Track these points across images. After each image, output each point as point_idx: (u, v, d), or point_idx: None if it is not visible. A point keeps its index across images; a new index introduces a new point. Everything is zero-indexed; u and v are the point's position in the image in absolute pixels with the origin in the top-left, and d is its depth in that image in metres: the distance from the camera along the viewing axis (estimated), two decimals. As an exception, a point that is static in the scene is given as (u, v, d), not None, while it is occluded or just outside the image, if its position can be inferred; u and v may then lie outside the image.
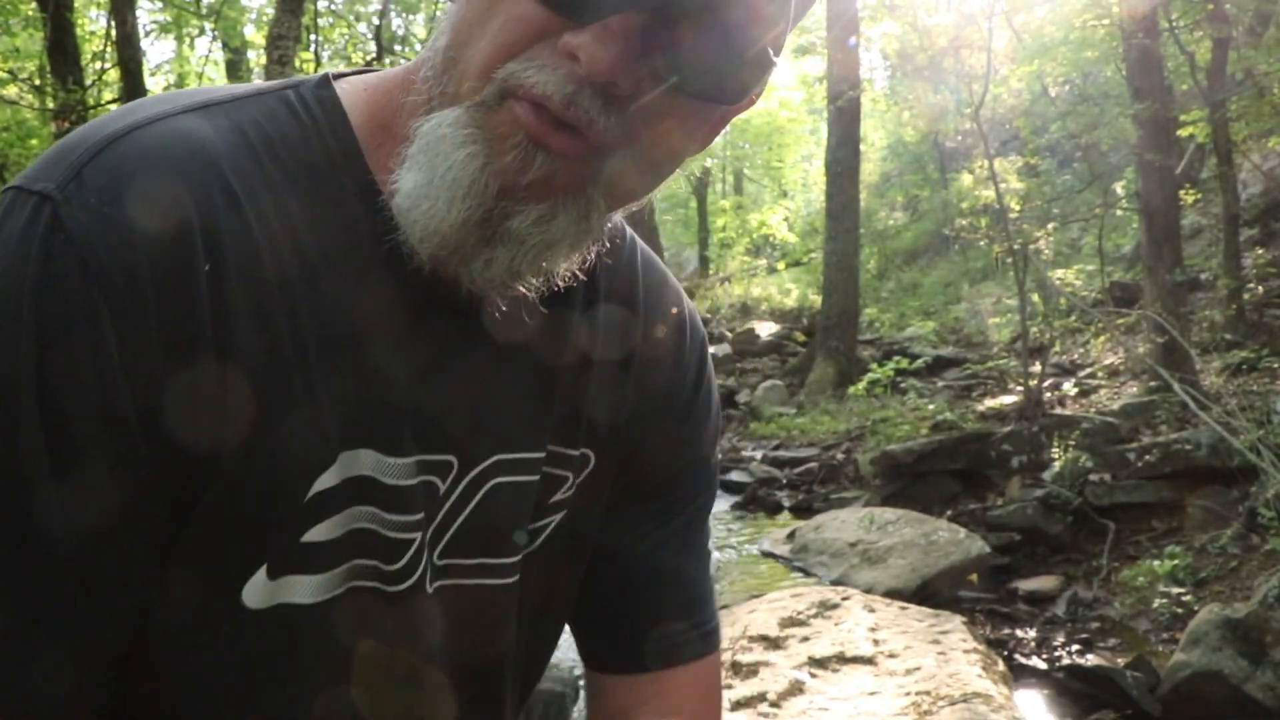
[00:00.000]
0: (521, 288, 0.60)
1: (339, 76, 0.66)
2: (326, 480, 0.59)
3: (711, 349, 0.85)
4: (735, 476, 7.73)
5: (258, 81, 0.71)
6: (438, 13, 10.27)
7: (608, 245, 0.68)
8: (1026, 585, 5.21)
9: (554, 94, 0.53)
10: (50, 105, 6.78)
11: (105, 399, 0.52)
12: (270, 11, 6.93)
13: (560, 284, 0.62)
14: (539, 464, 0.69)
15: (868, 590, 4.74)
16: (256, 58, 11.04)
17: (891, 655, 3.56)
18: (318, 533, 0.60)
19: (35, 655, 0.53)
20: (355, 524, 0.61)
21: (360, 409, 0.60)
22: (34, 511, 0.51)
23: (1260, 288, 7.57)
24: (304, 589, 0.60)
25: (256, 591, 0.59)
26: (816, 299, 11.98)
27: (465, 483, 0.66)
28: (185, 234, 0.54)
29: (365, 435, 0.61)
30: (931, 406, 7.77)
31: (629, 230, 0.79)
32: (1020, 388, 7.44)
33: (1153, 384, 6.58)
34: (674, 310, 0.79)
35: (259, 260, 0.57)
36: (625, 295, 0.75)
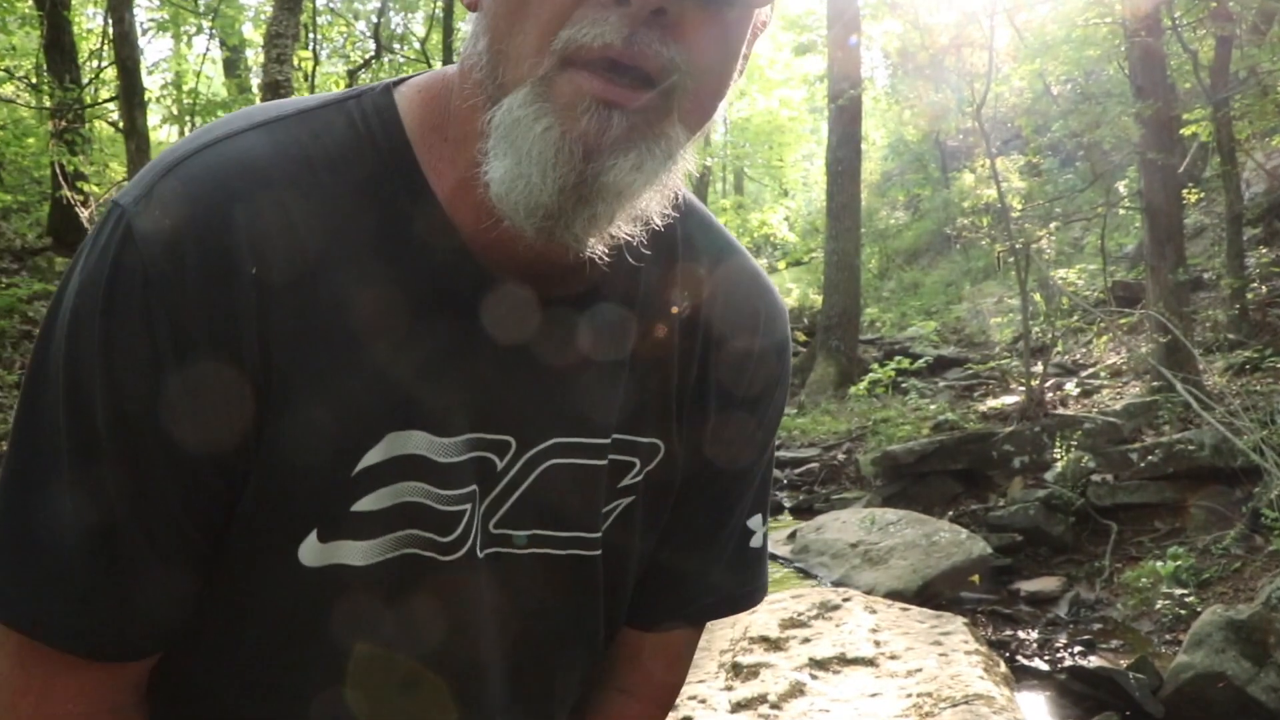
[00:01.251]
0: (621, 235, 0.63)
1: (403, 81, 0.70)
2: (373, 457, 0.64)
3: None
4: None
5: (332, 91, 0.77)
6: (437, 11, 10.24)
7: (682, 230, 0.74)
8: (1028, 586, 5.19)
9: (615, 40, 0.56)
10: (47, 103, 6.77)
11: (157, 387, 0.59)
12: (268, 9, 6.91)
13: (643, 237, 0.64)
14: (604, 449, 0.72)
15: (869, 591, 4.72)
16: (254, 56, 11.02)
17: (893, 657, 3.54)
18: (367, 503, 0.65)
19: (109, 600, 0.61)
20: (405, 497, 0.66)
21: (410, 392, 0.65)
22: (103, 480, 0.60)
23: (1264, 287, 7.55)
24: (356, 553, 0.66)
25: (310, 552, 0.65)
26: (817, 298, 11.97)
27: (523, 461, 0.70)
28: (232, 242, 0.60)
29: (416, 417, 0.65)
30: (933, 407, 7.74)
31: (710, 218, 0.81)
32: (1022, 388, 7.42)
33: (1155, 384, 6.55)
34: (749, 301, 0.80)
35: (303, 261, 0.62)
36: (695, 286, 0.77)
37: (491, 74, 0.60)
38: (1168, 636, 4.40)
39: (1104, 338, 8.18)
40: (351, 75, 7.51)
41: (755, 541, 0.86)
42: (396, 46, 11.31)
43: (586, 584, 0.76)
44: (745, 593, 0.86)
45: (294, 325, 0.61)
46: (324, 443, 0.63)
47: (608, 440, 0.72)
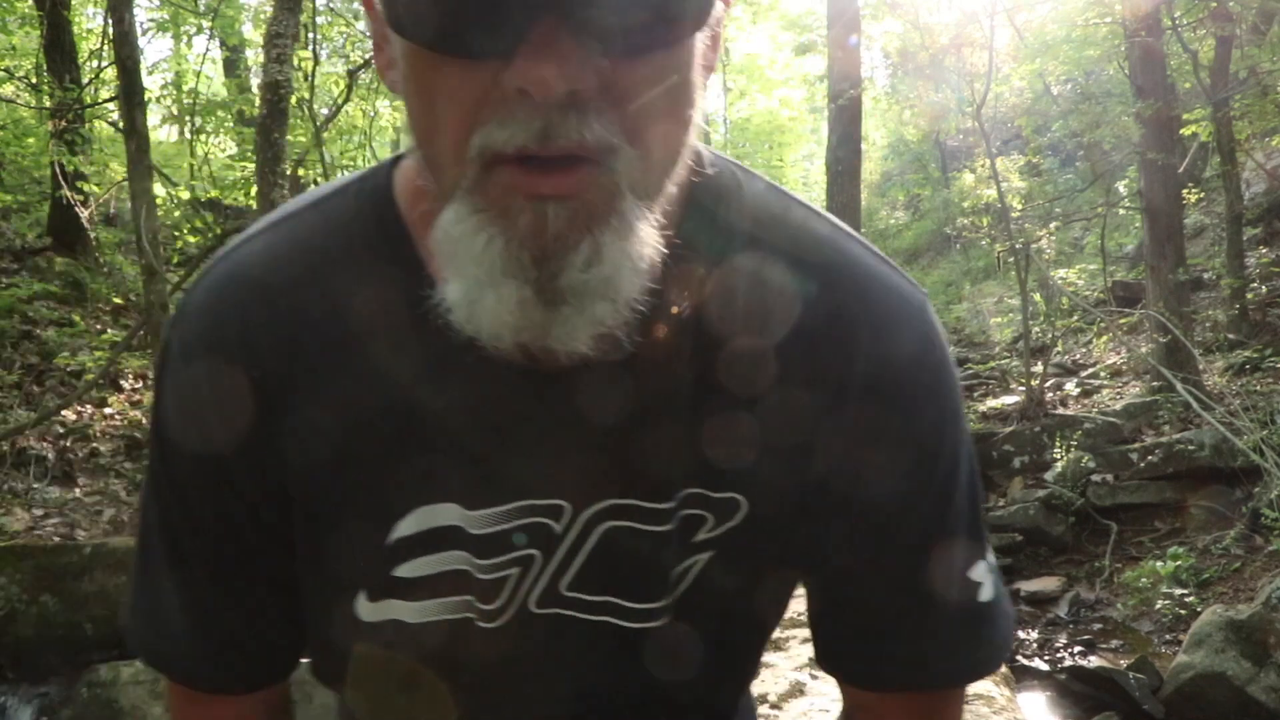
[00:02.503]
0: (615, 330, 0.56)
1: (404, 156, 0.69)
2: (405, 528, 0.66)
3: None
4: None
5: (343, 177, 0.73)
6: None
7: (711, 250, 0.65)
8: (1029, 586, 5.19)
9: (528, 140, 0.51)
10: (47, 104, 6.77)
11: (202, 481, 0.69)
12: (268, 9, 6.90)
13: (647, 311, 0.57)
14: (667, 514, 0.66)
15: (869, 591, 4.72)
16: (254, 56, 11.02)
17: (893, 658, 3.54)
18: (408, 569, 0.68)
19: (193, 635, 0.73)
20: (447, 565, 0.68)
21: (433, 467, 0.65)
22: (184, 558, 0.72)
23: (1264, 287, 7.55)
24: (406, 611, 0.69)
25: (365, 609, 0.69)
26: (817, 298, 11.94)
27: (580, 524, 0.67)
28: (236, 349, 0.66)
29: (444, 490, 0.66)
30: (933, 406, 7.73)
31: (787, 229, 0.68)
32: (1022, 387, 7.42)
33: (1155, 384, 6.56)
34: (842, 309, 0.67)
35: (309, 355, 0.65)
36: (754, 318, 0.66)
37: (429, 178, 0.58)
38: (1168, 636, 4.40)
39: (1104, 338, 8.18)
40: (351, 75, 7.50)
41: (984, 594, 0.73)
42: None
43: (657, 650, 0.71)
44: (976, 659, 0.74)
45: (307, 418, 0.66)
46: (351, 518, 0.67)
47: (669, 503, 0.66)
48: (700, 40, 0.56)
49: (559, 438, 0.65)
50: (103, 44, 6.94)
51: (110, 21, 5.52)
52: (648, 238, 0.55)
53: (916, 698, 0.76)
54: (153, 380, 0.75)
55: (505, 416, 0.65)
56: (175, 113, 10.05)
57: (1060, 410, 7.01)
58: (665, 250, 0.57)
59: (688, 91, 0.56)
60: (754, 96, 19.59)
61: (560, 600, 0.69)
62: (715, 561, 0.69)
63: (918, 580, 0.71)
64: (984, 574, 0.73)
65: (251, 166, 6.89)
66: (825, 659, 0.78)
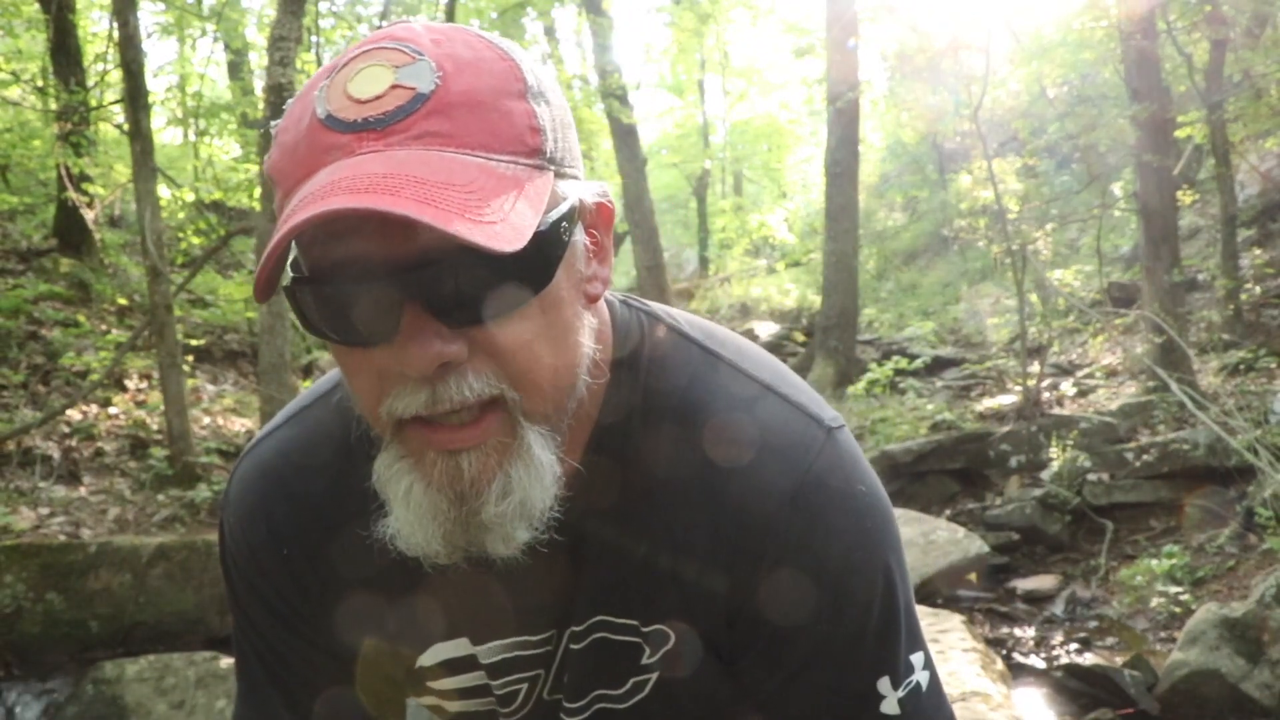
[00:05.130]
0: (541, 532, 0.68)
1: None
2: (429, 659, 0.84)
3: None
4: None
5: (323, 381, 0.91)
6: (438, 15, 10.28)
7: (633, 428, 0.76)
8: (1025, 584, 5.23)
9: (419, 409, 0.63)
10: (53, 107, 6.79)
11: (258, 627, 0.87)
12: (271, 13, 6.94)
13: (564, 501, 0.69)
14: (637, 629, 0.80)
15: (867, 589, 4.74)
16: (258, 59, 11.04)
17: (890, 653, 3.56)
18: (439, 685, 0.86)
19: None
20: (470, 683, 0.85)
21: (444, 613, 0.81)
22: (250, 686, 0.90)
23: (1258, 288, 7.59)
24: (448, 704, 0.88)
25: (411, 702, 0.89)
26: (816, 299, 11.98)
27: (568, 640, 0.82)
28: (265, 535, 0.83)
29: (455, 630, 0.82)
30: (930, 406, 7.78)
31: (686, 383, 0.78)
32: (1019, 388, 7.46)
33: (1151, 384, 6.59)
34: (729, 480, 0.75)
35: (319, 533, 0.80)
36: (664, 479, 0.76)
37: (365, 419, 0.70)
38: (1163, 634, 4.43)
39: (1100, 338, 8.22)
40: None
41: (887, 707, 0.79)
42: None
43: None
44: None
45: (330, 581, 0.82)
46: (381, 656, 0.84)
47: (636, 622, 0.80)
48: (569, 274, 0.66)
49: (532, 594, 0.79)
50: (108, 47, 6.96)
51: (115, 25, 5.55)
52: (549, 457, 0.66)
53: None
54: (219, 544, 0.90)
55: (481, 589, 0.79)
56: (179, 115, 10.09)
57: (1056, 410, 7.05)
58: (582, 443, 0.74)
59: (558, 325, 0.65)
60: (753, 99, 19.60)
61: (544, 704, 0.87)
62: (663, 676, 0.82)
63: (819, 695, 0.79)
64: (888, 687, 0.79)
65: (255, 168, 6.93)
66: None
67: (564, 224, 0.64)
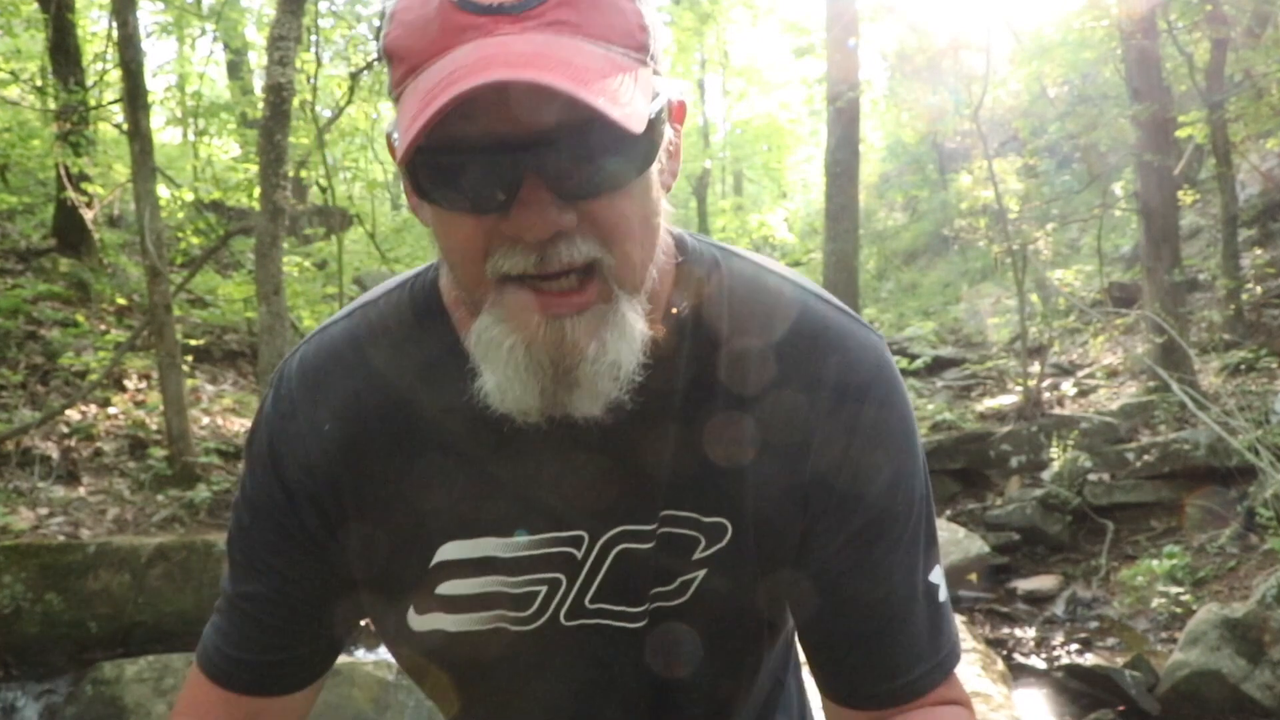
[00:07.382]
0: (620, 395, 0.72)
1: None
2: (446, 554, 0.83)
3: None
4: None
5: (408, 271, 0.91)
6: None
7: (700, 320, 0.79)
8: (1025, 585, 5.23)
9: (530, 267, 0.67)
10: (52, 106, 6.78)
11: (282, 519, 0.84)
12: (271, 13, 6.93)
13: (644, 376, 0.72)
14: (651, 534, 0.82)
15: (867, 590, 4.74)
16: (258, 59, 11.04)
17: (891, 654, 3.56)
18: (449, 588, 0.84)
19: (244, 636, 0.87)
20: (484, 588, 0.83)
21: (472, 507, 0.81)
22: (238, 569, 0.88)
23: (1258, 288, 7.59)
24: (449, 622, 0.85)
25: (415, 620, 0.85)
26: (816, 299, 11.94)
27: (597, 549, 0.82)
28: (320, 408, 0.82)
29: (480, 526, 0.82)
30: (931, 406, 7.78)
31: (752, 280, 0.83)
32: (1019, 388, 7.46)
33: (1151, 384, 6.59)
34: (807, 358, 0.80)
35: (374, 415, 0.81)
36: (739, 364, 0.80)
37: (460, 290, 0.74)
38: (1163, 634, 4.43)
39: (1100, 338, 8.21)
40: (353, 77, 7.53)
41: (943, 595, 0.85)
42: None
43: (661, 649, 0.86)
44: (947, 655, 0.85)
45: (369, 460, 0.82)
46: (399, 549, 0.83)
47: (653, 526, 0.81)
48: (658, 163, 0.71)
49: (577, 479, 0.80)
50: (107, 47, 6.96)
51: (115, 25, 5.55)
52: (639, 322, 0.71)
53: (927, 697, 0.84)
54: (252, 422, 0.89)
55: (532, 464, 0.79)
56: (179, 115, 10.09)
57: (1057, 410, 7.05)
58: (660, 319, 0.74)
59: (649, 206, 0.72)
60: (753, 99, 19.60)
61: (586, 613, 0.84)
62: (711, 576, 0.83)
63: (895, 579, 0.82)
64: (940, 575, 0.86)
65: (254, 168, 6.92)
66: (814, 677, 0.89)
67: (663, 114, 0.70)
